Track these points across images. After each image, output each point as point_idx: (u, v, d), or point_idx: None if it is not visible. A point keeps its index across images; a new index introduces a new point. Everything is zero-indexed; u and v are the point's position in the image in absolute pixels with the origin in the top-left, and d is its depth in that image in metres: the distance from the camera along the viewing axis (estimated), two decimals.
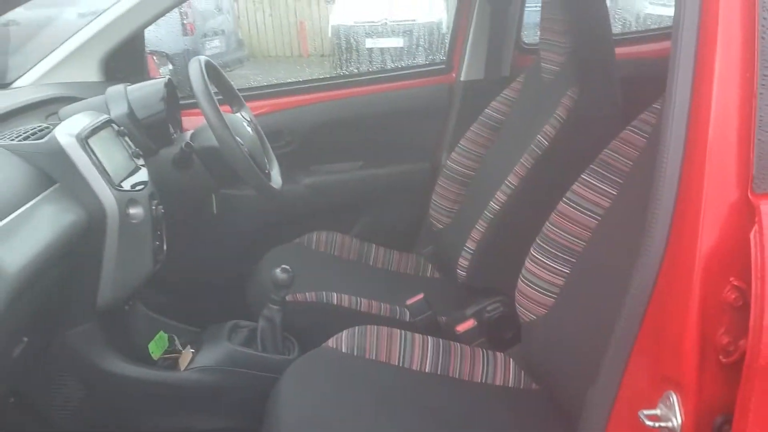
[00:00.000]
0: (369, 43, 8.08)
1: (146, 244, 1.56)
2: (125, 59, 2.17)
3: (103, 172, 1.44)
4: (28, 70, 2.11)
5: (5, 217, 1.23)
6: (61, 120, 1.72)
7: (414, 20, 8.06)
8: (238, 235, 2.25)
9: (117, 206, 1.45)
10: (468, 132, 2.11)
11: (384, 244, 2.25)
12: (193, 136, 1.83)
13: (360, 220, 2.41)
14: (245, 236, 2.25)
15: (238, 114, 1.97)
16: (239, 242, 2.25)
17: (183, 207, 1.91)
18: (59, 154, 1.40)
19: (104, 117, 1.60)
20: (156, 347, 1.71)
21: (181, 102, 1.98)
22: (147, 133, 1.76)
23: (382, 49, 7.94)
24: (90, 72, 2.11)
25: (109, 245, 1.46)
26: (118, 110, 1.74)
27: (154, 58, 2.71)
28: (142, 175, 1.62)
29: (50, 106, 1.82)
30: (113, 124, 1.63)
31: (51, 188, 1.39)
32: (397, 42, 8.00)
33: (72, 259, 1.43)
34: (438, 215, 2.15)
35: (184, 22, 7.57)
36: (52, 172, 1.40)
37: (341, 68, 7.94)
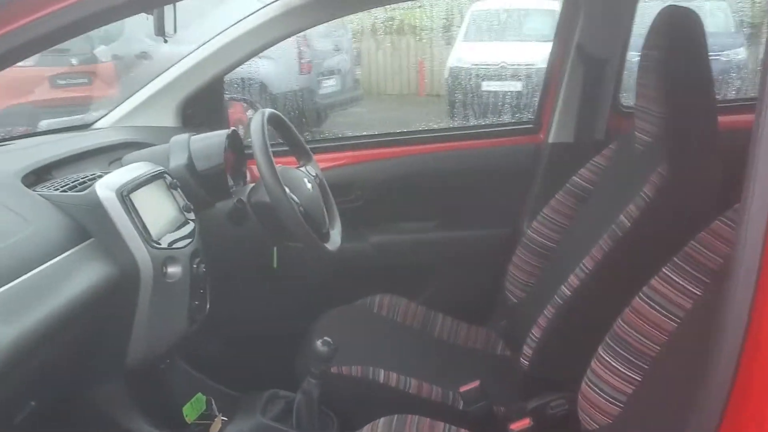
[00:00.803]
0: (485, 85, 7.97)
1: (182, 303, 1.49)
2: (203, 105, 2.16)
3: (142, 228, 1.39)
4: (109, 112, 2.14)
5: (28, 272, 1.19)
6: (123, 166, 1.70)
7: (532, 65, 7.89)
8: (297, 291, 2.16)
9: (152, 264, 1.38)
10: (552, 200, 1.93)
11: (453, 314, 2.08)
12: (251, 190, 1.76)
13: (429, 285, 2.27)
14: (304, 293, 2.16)
15: (302, 169, 1.89)
16: (297, 299, 2.15)
17: (239, 261, 1.85)
18: (97, 208, 1.36)
19: (157, 169, 1.56)
20: (192, 410, 1.63)
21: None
22: (204, 185, 1.71)
23: (497, 93, 7.80)
24: (167, 117, 2.11)
25: (142, 304, 1.40)
26: (178, 160, 1.70)
27: (243, 104, 2.71)
28: (189, 230, 1.56)
29: (117, 152, 1.81)
30: (166, 176, 1.58)
31: (85, 242, 1.34)
32: (513, 86, 7.84)
33: (100, 316, 1.37)
34: (513, 288, 1.97)
35: (302, 61, 7.76)
36: (88, 226, 1.36)
37: (454, 108, 7.85)
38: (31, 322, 1.15)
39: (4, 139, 1.83)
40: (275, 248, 1.93)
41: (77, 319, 1.28)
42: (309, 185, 1.81)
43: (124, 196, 1.38)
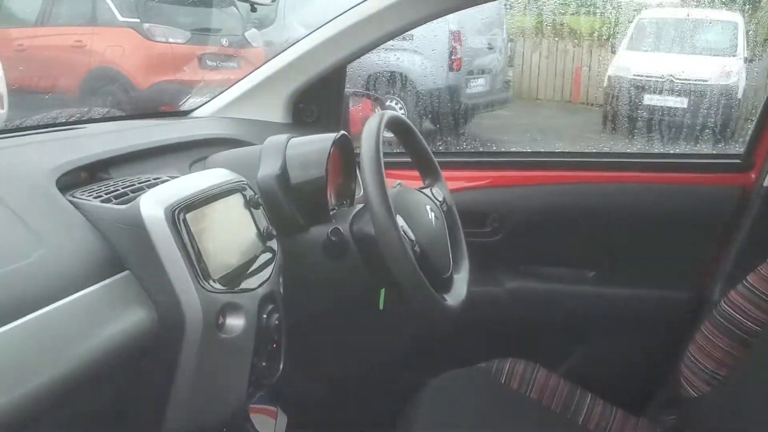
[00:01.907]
0: (647, 99, 7.23)
1: (242, 365, 1.11)
2: (319, 100, 1.78)
3: (196, 261, 1.02)
4: (212, 99, 1.81)
5: (25, 315, 0.85)
6: (207, 168, 1.34)
7: (706, 81, 7.04)
8: (406, 343, 1.74)
9: (203, 313, 1.01)
10: (763, 266, 1.39)
11: (604, 396, 1.59)
12: (356, 215, 1.35)
13: (576, 354, 1.77)
14: (415, 346, 1.74)
15: (426, 191, 1.46)
16: (405, 354, 1.74)
17: (334, 302, 1.45)
18: (137, 229, 1.00)
19: (235, 180, 1.19)
20: None
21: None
22: (297, 203, 1.33)
23: (660, 108, 7.03)
24: (275, 110, 1.76)
25: (185, 364, 1.03)
26: (268, 168, 1.33)
27: (371, 102, 2.31)
28: (266, 263, 1.18)
29: (205, 149, 1.46)
30: (247, 190, 1.20)
31: (116, 276, 0.99)
32: (680, 102, 7.04)
33: (127, 379, 1.02)
34: (693, 376, 1.45)
35: (452, 58, 7.36)
36: (123, 253, 1.01)
37: (609, 120, 7.18)
38: (30, 388, 0.82)
39: (77, 122, 1.52)
40: (383, 290, 1.52)
41: (95, 382, 0.94)
42: (432, 215, 1.38)
43: (178, 215, 1.02)
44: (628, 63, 7.67)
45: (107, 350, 0.93)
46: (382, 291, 1.45)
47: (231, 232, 1.14)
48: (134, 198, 1.04)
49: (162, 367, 1.03)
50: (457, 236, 1.50)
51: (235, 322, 1.07)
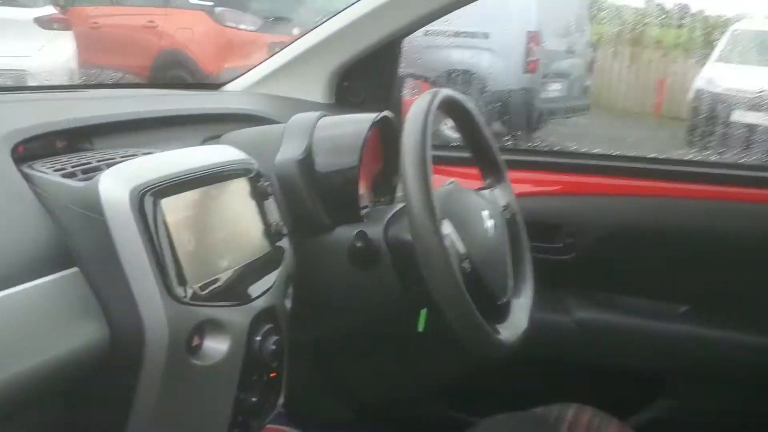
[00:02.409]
0: (736, 115, 6.70)
1: (221, 399, 0.85)
2: (366, 78, 1.52)
3: (168, 263, 0.76)
4: (246, 72, 1.57)
5: None
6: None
7: None
8: (451, 375, 1.47)
9: (169, 331, 0.75)
10: None
11: None
12: (391, 218, 1.08)
13: (656, 404, 1.45)
14: (462, 380, 1.46)
15: (485, 192, 1.18)
16: (449, 387, 1.46)
17: (363, 320, 1.19)
18: (92, 214, 0.75)
19: (237, 161, 0.94)
20: None
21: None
22: (322, 197, 1.07)
23: (753, 126, 6.50)
24: (315, 87, 1.50)
25: (145, 395, 0.78)
26: (289, 152, 1.07)
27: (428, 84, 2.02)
28: (269, 270, 0.92)
29: (226, 125, 1.22)
30: (254, 175, 0.95)
31: (60, 273, 0.75)
32: None
33: (67, 406, 0.78)
34: None
35: (528, 59, 7.00)
36: (74, 244, 0.76)
37: (696, 135, 6.68)
38: None
39: (77, 86, 1.30)
40: (424, 310, 1.23)
41: (23, 410, 0.70)
42: (489, 222, 1.09)
43: (147, 199, 0.76)
44: (719, 76, 7.16)
45: (37, 370, 0.70)
46: (423, 311, 1.17)
47: (226, 226, 0.89)
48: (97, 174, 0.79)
49: (115, 399, 0.79)
50: (520, 252, 1.21)
51: (216, 345, 0.81)
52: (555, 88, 7.37)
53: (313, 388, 1.66)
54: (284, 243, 0.97)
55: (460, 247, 0.99)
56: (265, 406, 0.93)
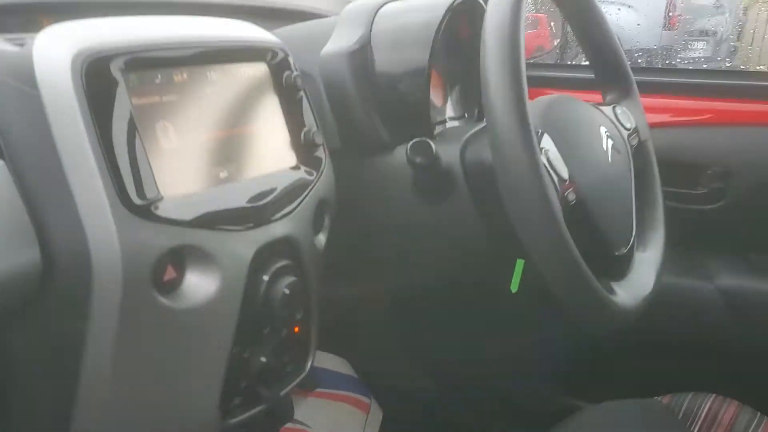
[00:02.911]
0: None
1: (208, 358, 0.61)
2: None
3: (127, 163, 0.54)
4: None
5: None
6: None
7: None
8: (554, 350, 1.18)
9: (123, 258, 0.53)
10: None
11: None
12: (470, 137, 0.81)
13: None
14: (567, 356, 1.17)
15: (605, 109, 0.88)
16: (552, 364, 1.18)
17: (435, 272, 0.93)
18: (24, 86, 0.53)
19: (256, 39, 0.69)
20: None
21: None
22: (381, 105, 0.81)
23: None
24: None
25: (97, 346, 0.55)
26: (341, 41, 0.82)
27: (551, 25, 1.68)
28: (291, 190, 0.67)
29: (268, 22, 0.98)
30: (279, 60, 0.70)
31: None
32: None
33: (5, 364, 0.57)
34: None
35: (670, 14, 6.36)
36: (4, 126, 0.54)
37: None
38: None
39: None
40: (521, 260, 0.94)
41: None
42: (609, 144, 0.80)
43: (101, 66, 0.54)
44: None
45: None
46: (519, 263, 0.88)
47: (229, 124, 0.65)
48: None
49: (59, 348, 0.57)
50: (649, 191, 0.91)
51: (200, 283, 0.58)
52: (698, 48, 6.69)
53: (388, 353, 1.42)
54: (319, 156, 0.72)
55: (563, 173, 0.71)
56: (284, 369, 0.69)
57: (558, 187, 0.69)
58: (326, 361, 1.46)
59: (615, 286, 0.75)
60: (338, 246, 0.77)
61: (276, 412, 1.09)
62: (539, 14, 1.78)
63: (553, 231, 0.63)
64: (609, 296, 0.71)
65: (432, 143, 0.71)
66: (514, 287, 0.90)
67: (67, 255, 0.53)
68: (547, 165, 0.69)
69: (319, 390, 1.42)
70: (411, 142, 0.71)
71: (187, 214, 0.57)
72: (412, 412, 1.43)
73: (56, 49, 0.53)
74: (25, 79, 0.53)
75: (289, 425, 1.30)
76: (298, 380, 0.71)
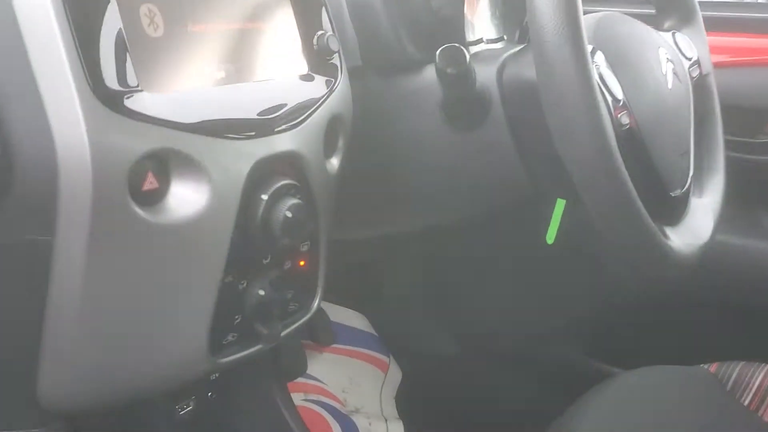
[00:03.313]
0: None
1: (196, 283, 0.53)
2: None
3: (99, 45, 0.45)
4: None
5: None
6: None
7: None
8: (592, 307, 1.09)
9: (93, 158, 0.44)
10: None
11: None
12: (511, 56, 0.71)
13: None
14: (606, 315, 1.08)
15: (668, 36, 0.77)
16: (588, 324, 1.10)
17: (462, 211, 0.83)
18: None
19: None
20: None
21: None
22: (410, 18, 0.72)
23: None
24: None
25: (65, 262, 0.47)
26: None
27: None
28: (300, 102, 0.58)
29: None
30: None
31: None
32: None
33: None
34: None
35: None
36: None
37: None
38: None
39: None
40: (562, 200, 0.84)
41: None
42: (667, 68, 0.70)
43: None
44: None
45: None
46: (560, 204, 0.78)
47: (228, 21, 0.56)
48: None
49: (22, 263, 0.49)
50: (710, 130, 0.80)
51: (183, 194, 0.50)
52: None
53: (409, 309, 1.34)
54: (333, 65, 0.63)
55: (617, 91, 0.61)
56: (286, 308, 0.61)
57: (611, 108, 0.60)
58: (344, 316, 1.39)
59: (669, 230, 0.66)
60: (354, 176, 0.68)
61: (287, 364, 1.02)
62: None
63: (604, 155, 0.54)
64: (663, 239, 0.61)
65: (465, 51, 0.61)
66: (550, 238, 0.81)
67: (30, 153, 0.45)
68: (599, 82, 0.59)
69: (335, 346, 1.35)
70: (441, 48, 0.61)
71: (172, 114, 0.48)
72: (433, 374, 1.36)
73: None
74: None
75: (302, 380, 1.23)
76: (301, 321, 0.62)
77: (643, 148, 0.63)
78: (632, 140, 0.62)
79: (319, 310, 1.40)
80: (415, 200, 0.79)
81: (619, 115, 0.60)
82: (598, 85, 0.58)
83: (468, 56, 0.61)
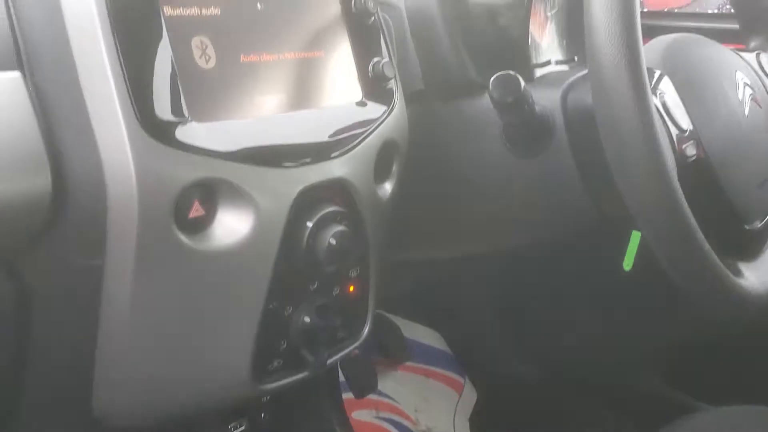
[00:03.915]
0: None
1: (238, 309, 0.54)
2: None
3: (148, 77, 0.47)
4: None
5: None
6: None
7: None
8: (658, 335, 1.04)
9: (138, 185, 0.46)
10: None
11: None
12: (575, 82, 0.68)
13: None
14: (688, 350, 1.03)
15: (749, 56, 0.72)
16: (666, 356, 1.05)
17: (531, 237, 0.81)
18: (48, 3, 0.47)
19: None
20: None
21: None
22: (473, 41, 0.71)
23: None
24: None
25: (115, 285, 0.49)
26: None
27: None
28: (350, 127, 0.59)
29: None
30: None
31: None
32: None
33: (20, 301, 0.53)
34: None
35: None
36: (23, 38, 0.49)
37: None
38: None
39: None
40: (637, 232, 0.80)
41: None
42: (744, 94, 0.65)
43: None
44: None
45: None
46: (636, 235, 0.75)
47: (283, 47, 0.56)
48: None
49: (75, 284, 0.52)
50: None
51: (229, 219, 0.51)
52: None
53: (486, 330, 1.32)
54: (389, 90, 0.63)
55: (682, 120, 0.58)
56: (335, 334, 0.61)
57: (675, 139, 0.56)
58: (418, 332, 1.38)
59: (744, 267, 0.61)
60: (417, 198, 0.68)
61: (358, 381, 1.02)
62: None
63: (661, 189, 0.51)
64: (734, 278, 0.57)
65: (520, 78, 0.60)
66: (627, 265, 0.77)
67: (81, 181, 0.47)
68: (662, 111, 0.56)
69: (409, 363, 1.34)
70: (494, 76, 0.60)
71: (221, 144, 0.49)
72: (509, 398, 1.33)
73: None
74: None
75: (374, 396, 1.23)
76: (350, 348, 0.62)
77: (714, 179, 0.60)
78: (701, 171, 0.58)
79: (393, 325, 1.40)
80: (478, 224, 0.77)
81: (684, 147, 0.57)
82: (661, 114, 0.56)
83: (523, 84, 0.60)
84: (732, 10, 0.83)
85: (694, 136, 0.58)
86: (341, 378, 0.88)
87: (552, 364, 1.29)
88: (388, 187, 0.63)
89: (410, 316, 1.34)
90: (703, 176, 0.59)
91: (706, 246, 0.53)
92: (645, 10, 1.17)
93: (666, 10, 1.16)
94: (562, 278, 1.12)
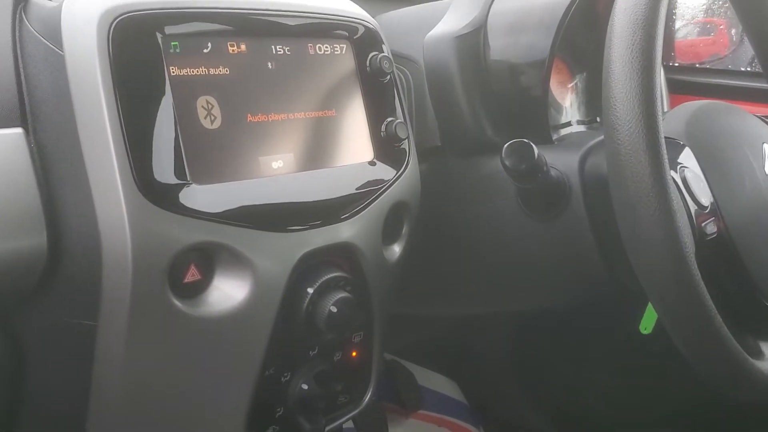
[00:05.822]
0: None
1: (234, 377, 0.52)
2: None
3: (148, 140, 0.46)
4: None
5: None
6: None
7: None
8: (681, 398, 1.00)
9: (133, 250, 0.45)
10: None
11: None
12: (592, 147, 0.66)
13: None
14: (698, 406, 0.99)
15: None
16: (675, 412, 1.01)
17: (548, 298, 0.79)
18: (53, 44, 0.47)
19: (344, 11, 0.60)
20: None
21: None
22: (491, 101, 0.69)
23: None
24: None
25: (108, 348, 0.48)
26: (450, 24, 0.71)
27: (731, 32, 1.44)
28: (362, 187, 0.57)
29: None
30: (362, 37, 0.61)
31: (5, 131, 0.48)
32: None
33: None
34: None
35: None
36: (29, 89, 0.48)
37: None
38: None
39: None
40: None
41: None
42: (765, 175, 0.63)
43: (130, 27, 0.46)
44: None
45: None
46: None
47: (292, 106, 0.55)
48: None
49: (69, 341, 0.51)
50: None
51: (226, 284, 0.50)
52: None
53: (502, 380, 1.29)
54: (402, 150, 0.61)
55: (703, 196, 0.56)
56: (335, 400, 0.59)
57: (694, 216, 0.54)
58: (433, 380, 1.35)
59: (764, 347, 0.58)
60: (430, 254, 0.66)
61: (367, 428, 1.00)
62: (718, 19, 1.55)
63: (677, 276, 0.48)
64: (751, 360, 0.54)
65: (534, 146, 0.58)
66: (646, 329, 0.75)
67: (76, 241, 0.47)
68: (681, 186, 0.54)
69: (421, 411, 1.31)
70: (506, 144, 0.58)
71: (219, 206, 0.48)
72: None
73: (86, 3, 0.46)
74: (52, 37, 0.47)
75: None
76: (351, 415, 0.60)
77: (736, 256, 0.57)
78: (721, 248, 0.56)
79: (407, 372, 1.37)
80: (490, 284, 0.75)
81: (703, 224, 0.54)
82: (681, 190, 0.53)
83: (536, 151, 0.58)
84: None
85: (715, 212, 0.56)
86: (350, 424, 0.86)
87: (570, 421, 1.25)
88: (396, 249, 0.62)
89: (426, 364, 1.32)
90: (723, 253, 0.56)
91: (724, 330, 0.51)
92: (676, 64, 1.15)
93: (698, 64, 1.13)
94: (581, 334, 1.09)
